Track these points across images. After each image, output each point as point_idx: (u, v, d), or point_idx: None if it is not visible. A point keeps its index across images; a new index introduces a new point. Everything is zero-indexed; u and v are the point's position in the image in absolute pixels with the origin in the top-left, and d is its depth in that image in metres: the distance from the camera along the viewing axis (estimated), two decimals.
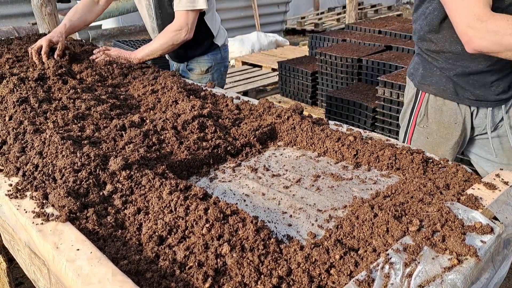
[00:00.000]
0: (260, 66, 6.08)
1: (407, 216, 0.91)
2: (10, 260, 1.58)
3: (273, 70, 5.74)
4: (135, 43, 4.35)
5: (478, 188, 1.02)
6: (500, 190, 1.01)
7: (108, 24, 6.95)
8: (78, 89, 1.64)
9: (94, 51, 2.15)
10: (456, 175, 1.10)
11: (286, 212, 1.07)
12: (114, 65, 2.03)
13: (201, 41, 2.28)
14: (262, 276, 0.80)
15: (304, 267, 0.82)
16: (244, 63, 6.39)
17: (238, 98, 1.83)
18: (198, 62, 2.36)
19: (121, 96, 1.72)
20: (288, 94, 4.58)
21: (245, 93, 4.86)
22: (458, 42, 1.35)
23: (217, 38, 2.36)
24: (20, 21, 5.41)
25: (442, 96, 1.52)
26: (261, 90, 5.54)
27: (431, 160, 1.22)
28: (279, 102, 4.46)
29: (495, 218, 0.92)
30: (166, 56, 2.52)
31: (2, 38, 2.73)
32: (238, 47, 7.20)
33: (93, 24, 2.75)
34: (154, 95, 1.72)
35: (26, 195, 1.05)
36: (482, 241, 0.83)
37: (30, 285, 2.36)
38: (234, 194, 1.17)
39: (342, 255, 0.83)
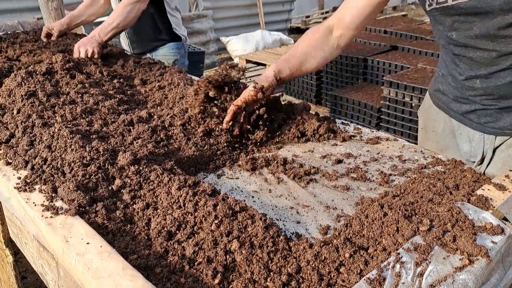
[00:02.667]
0: (264, 65, 6.07)
1: (417, 216, 0.91)
2: (15, 254, 1.58)
3: None
4: None
5: (488, 189, 1.02)
6: (510, 191, 1.01)
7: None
8: (86, 84, 1.65)
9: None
10: (465, 176, 1.10)
11: (294, 210, 1.07)
12: (122, 61, 2.04)
13: (158, 27, 2.42)
14: (271, 273, 0.80)
15: (313, 265, 0.82)
16: (248, 61, 6.38)
17: None
18: (164, 55, 2.49)
19: (128, 92, 1.72)
20: (292, 93, 4.58)
21: None
22: None
23: (178, 29, 2.50)
24: (25, 15, 5.41)
25: None
26: None
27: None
28: (283, 101, 4.46)
29: (505, 219, 0.92)
30: (128, 49, 2.61)
31: (8, 32, 2.74)
32: (242, 45, 7.19)
33: (97, 20, 2.80)
34: (161, 91, 1.72)
35: (35, 189, 1.05)
36: (493, 242, 0.82)
37: (33, 280, 2.37)
38: (242, 191, 1.16)
39: (352, 253, 0.83)
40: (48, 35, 2.49)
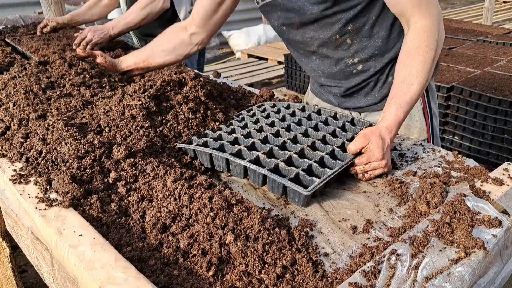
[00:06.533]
0: (266, 59, 6.05)
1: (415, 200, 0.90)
2: (14, 248, 1.58)
3: (279, 63, 5.71)
4: None
5: (486, 182, 1.00)
6: (508, 185, 0.99)
7: (114, 15, 6.93)
8: (85, 77, 1.63)
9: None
10: (466, 170, 1.08)
11: (290, 203, 1.06)
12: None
13: (165, 22, 2.39)
14: (266, 265, 0.79)
15: (308, 258, 0.81)
16: (249, 55, 6.36)
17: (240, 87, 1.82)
18: None
19: (124, 84, 1.70)
20: (294, 87, 4.56)
21: (250, 86, 4.85)
22: None
23: None
24: (27, 10, 5.41)
25: None
26: (267, 83, 5.52)
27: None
28: (285, 95, 4.44)
29: (505, 212, 0.90)
30: (135, 41, 2.64)
31: (8, 26, 2.73)
32: (244, 40, 7.16)
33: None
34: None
35: (30, 181, 1.04)
36: (490, 234, 0.81)
37: (33, 273, 2.38)
38: (239, 185, 1.16)
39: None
40: (45, 27, 2.49)
